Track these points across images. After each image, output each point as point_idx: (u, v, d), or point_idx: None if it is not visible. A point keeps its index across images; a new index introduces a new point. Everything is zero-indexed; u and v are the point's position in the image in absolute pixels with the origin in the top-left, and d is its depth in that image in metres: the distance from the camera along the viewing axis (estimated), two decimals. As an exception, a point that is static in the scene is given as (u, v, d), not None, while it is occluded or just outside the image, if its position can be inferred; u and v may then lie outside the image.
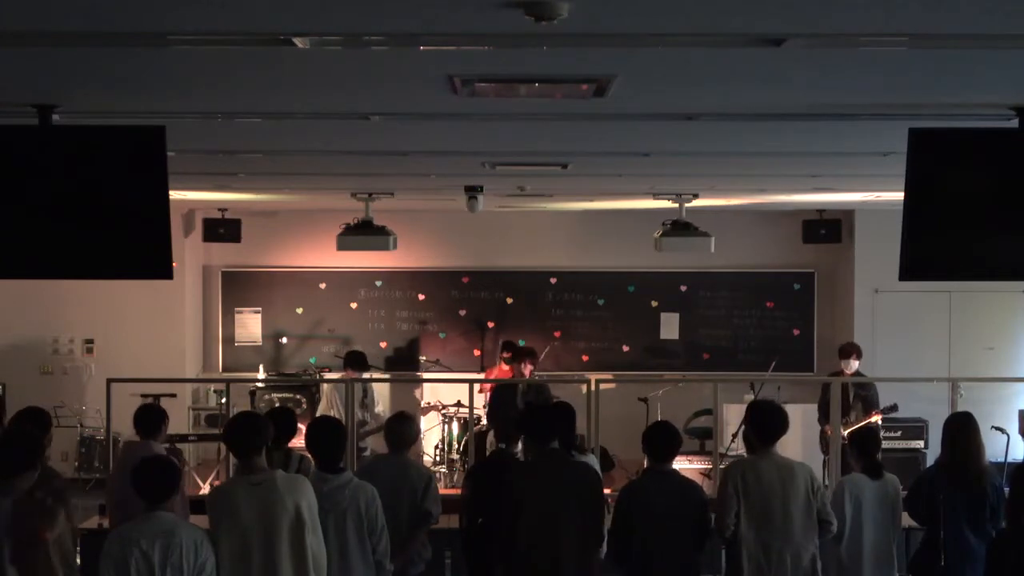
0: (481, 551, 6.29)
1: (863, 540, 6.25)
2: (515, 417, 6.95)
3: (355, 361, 10.18)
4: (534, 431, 5.97)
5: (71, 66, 3.73)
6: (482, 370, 12.15)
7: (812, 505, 5.80)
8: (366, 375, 10.48)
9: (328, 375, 11.60)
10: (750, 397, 10.02)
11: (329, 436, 5.80)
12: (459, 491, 7.51)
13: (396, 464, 6.29)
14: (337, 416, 9.78)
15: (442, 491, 9.69)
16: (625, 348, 12.81)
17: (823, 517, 5.87)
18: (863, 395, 9.82)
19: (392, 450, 6.42)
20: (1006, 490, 5.69)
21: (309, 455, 6.58)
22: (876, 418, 9.56)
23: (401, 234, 10.12)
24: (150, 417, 6.85)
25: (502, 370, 11.03)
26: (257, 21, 3.04)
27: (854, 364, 9.96)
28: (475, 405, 9.55)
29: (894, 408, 9.79)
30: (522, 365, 10.40)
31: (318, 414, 10.04)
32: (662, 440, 6.00)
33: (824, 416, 9.58)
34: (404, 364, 12.67)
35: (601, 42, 3.35)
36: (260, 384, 11.37)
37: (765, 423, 5.92)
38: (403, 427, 6.51)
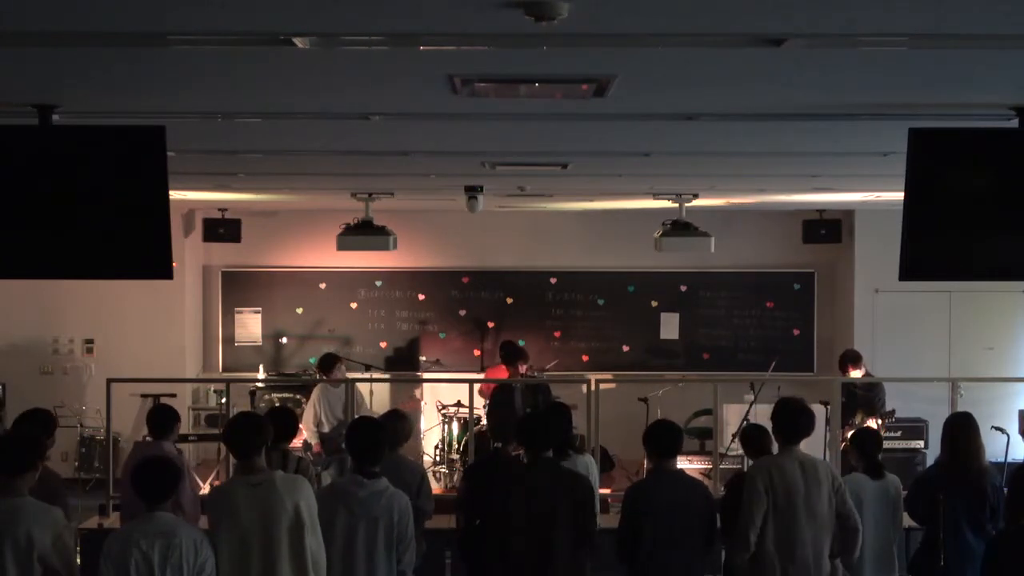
0: (479, 551, 6.29)
1: (863, 540, 6.24)
2: (512, 417, 6.95)
3: (329, 365, 10.09)
4: (530, 439, 5.96)
5: (71, 66, 3.73)
6: (482, 370, 12.16)
7: (833, 503, 5.79)
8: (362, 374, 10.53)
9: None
10: (750, 397, 10.01)
11: (368, 437, 5.63)
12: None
13: (391, 463, 6.28)
14: (327, 422, 9.79)
15: (442, 491, 9.78)
16: (625, 348, 12.82)
17: (844, 512, 5.84)
18: (863, 397, 9.80)
19: (387, 448, 6.43)
20: (1006, 490, 5.69)
21: (306, 456, 6.58)
22: (874, 422, 9.56)
23: (401, 234, 10.13)
24: (161, 418, 6.88)
25: (501, 370, 11.03)
26: (257, 21, 3.04)
27: (854, 373, 9.94)
28: (475, 405, 9.56)
29: (892, 413, 9.81)
30: (518, 366, 10.40)
31: (304, 423, 9.99)
32: (663, 437, 5.98)
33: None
34: (404, 364, 12.67)
35: (601, 42, 3.35)
36: (260, 384, 11.38)
37: (791, 422, 5.86)
38: (397, 425, 6.51)
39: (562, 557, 5.74)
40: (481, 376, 11.63)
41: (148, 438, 7.12)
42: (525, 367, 10.39)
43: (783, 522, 5.71)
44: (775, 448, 6.00)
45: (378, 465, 5.58)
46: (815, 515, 5.74)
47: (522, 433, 6.04)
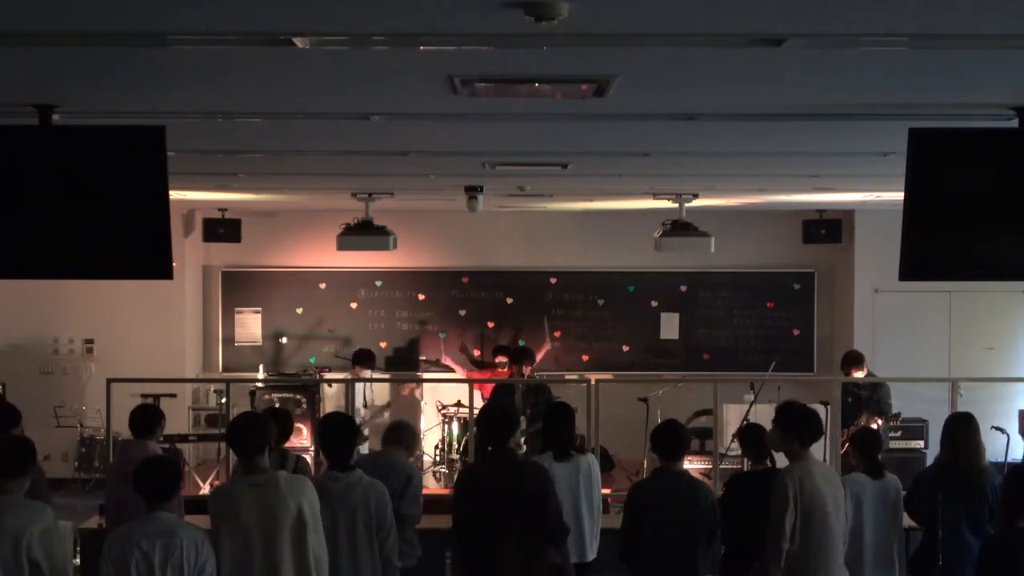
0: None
1: (863, 540, 6.24)
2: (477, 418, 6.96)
3: (364, 358, 10.29)
4: (485, 433, 5.94)
5: (71, 66, 3.73)
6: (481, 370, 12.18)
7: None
8: (369, 373, 10.64)
9: (328, 375, 11.60)
10: (750, 397, 10.02)
11: (341, 434, 5.76)
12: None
13: (379, 463, 6.32)
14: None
15: (442, 491, 9.78)
16: (625, 348, 12.82)
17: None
18: (867, 398, 9.80)
19: (382, 446, 6.51)
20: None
21: (305, 455, 6.60)
22: (879, 424, 9.56)
23: (401, 234, 10.13)
24: (144, 417, 6.84)
25: (497, 371, 11.05)
26: (257, 21, 3.04)
27: (856, 374, 9.93)
28: (475, 405, 9.56)
29: (897, 416, 9.81)
30: (522, 366, 10.41)
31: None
32: (671, 439, 5.95)
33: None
34: (404, 364, 12.67)
35: (601, 42, 3.35)
36: (260, 384, 11.38)
37: (807, 425, 5.71)
38: (398, 426, 6.58)
39: (515, 559, 5.66)
40: (480, 376, 11.65)
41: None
42: (530, 369, 10.41)
43: (813, 530, 5.58)
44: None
45: (351, 459, 5.72)
46: (838, 521, 5.68)
47: (478, 429, 6.04)
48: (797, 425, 5.71)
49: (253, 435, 5.22)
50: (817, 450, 9.20)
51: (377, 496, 5.60)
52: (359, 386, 10.84)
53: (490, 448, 5.92)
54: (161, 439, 7.18)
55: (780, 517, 5.51)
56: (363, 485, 5.60)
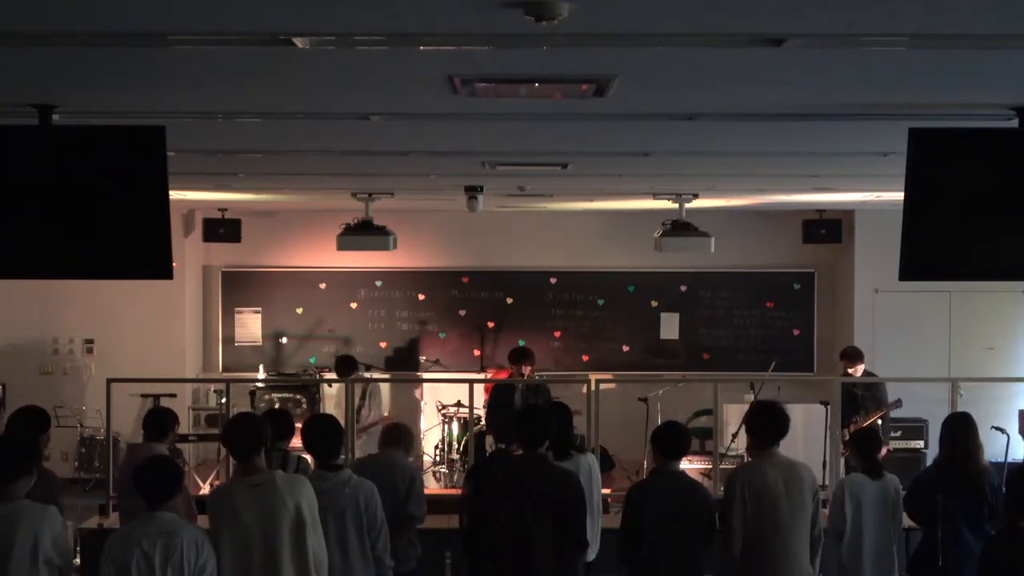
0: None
1: (863, 540, 6.25)
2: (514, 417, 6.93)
3: (345, 367, 10.20)
4: (525, 433, 5.94)
5: (71, 66, 3.73)
6: (482, 370, 12.17)
7: (810, 507, 5.79)
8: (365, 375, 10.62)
9: (328, 375, 11.60)
10: (750, 397, 10.02)
11: (326, 434, 5.80)
12: (459, 491, 7.52)
13: (382, 464, 6.33)
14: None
15: (442, 491, 9.79)
16: (625, 348, 12.82)
17: (815, 518, 5.83)
18: (864, 396, 9.80)
19: (381, 447, 6.51)
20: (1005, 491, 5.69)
21: (306, 456, 6.62)
22: (879, 416, 9.56)
23: (401, 234, 10.13)
24: (158, 420, 6.84)
25: (502, 371, 11.07)
26: (257, 21, 3.04)
27: (860, 368, 9.92)
28: (475, 405, 9.57)
29: (898, 403, 9.78)
30: (522, 366, 10.41)
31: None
32: (672, 439, 5.96)
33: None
34: (404, 364, 12.68)
35: (601, 42, 3.35)
36: (260, 384, 11.38)
37: (764, 423, 5.87)
38: (396, 427, 6.60)
39: (545, 556, 5.66)
40: (481, 376, 11.65)
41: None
42: (529, 369, 10.41)
43: (763, 520, 5.70)
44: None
45: (338, 458, 5.76)
46: (797, 518, 5.73)
47: (517, 428, 6.03)
48: (760, 425, 5.90)
49: (248, 436, 5.22)
50: (817, 449, 9.28)
51: (367, 495, 5.61)
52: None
53: (521, 450, 5.91)
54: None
55: (730, 511, 5.74)
56: (352, 484, 5.61)
